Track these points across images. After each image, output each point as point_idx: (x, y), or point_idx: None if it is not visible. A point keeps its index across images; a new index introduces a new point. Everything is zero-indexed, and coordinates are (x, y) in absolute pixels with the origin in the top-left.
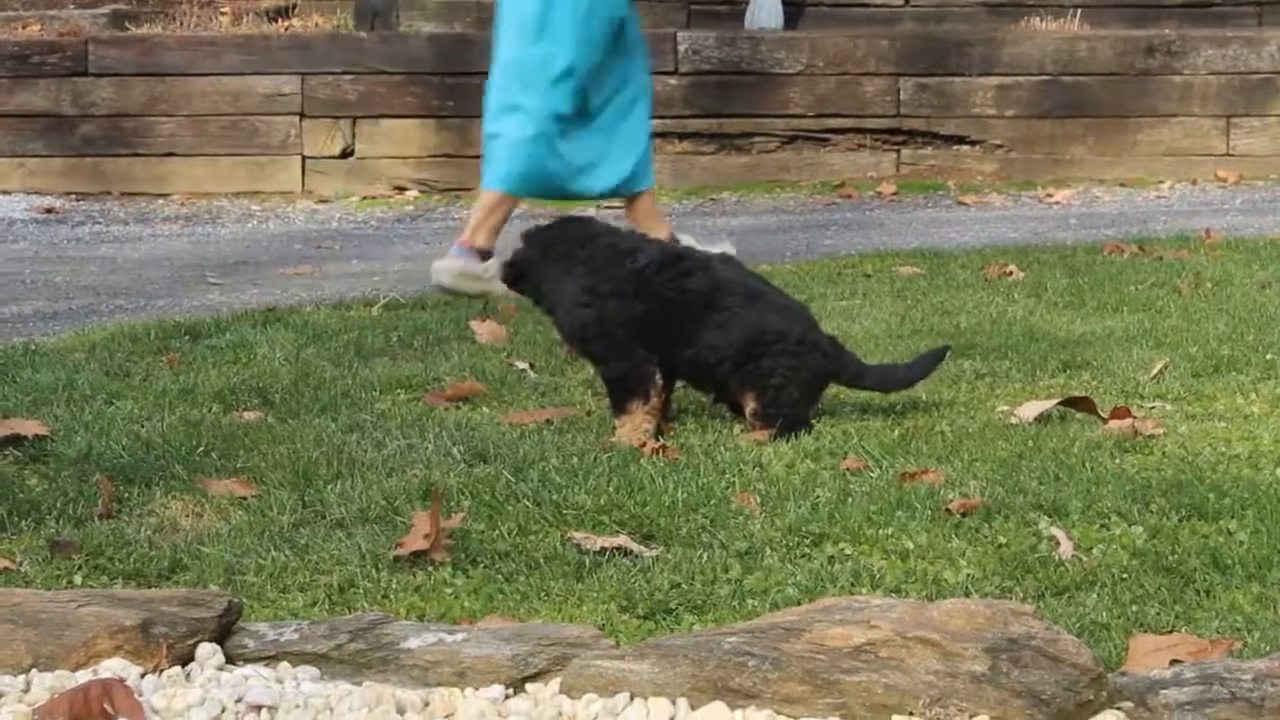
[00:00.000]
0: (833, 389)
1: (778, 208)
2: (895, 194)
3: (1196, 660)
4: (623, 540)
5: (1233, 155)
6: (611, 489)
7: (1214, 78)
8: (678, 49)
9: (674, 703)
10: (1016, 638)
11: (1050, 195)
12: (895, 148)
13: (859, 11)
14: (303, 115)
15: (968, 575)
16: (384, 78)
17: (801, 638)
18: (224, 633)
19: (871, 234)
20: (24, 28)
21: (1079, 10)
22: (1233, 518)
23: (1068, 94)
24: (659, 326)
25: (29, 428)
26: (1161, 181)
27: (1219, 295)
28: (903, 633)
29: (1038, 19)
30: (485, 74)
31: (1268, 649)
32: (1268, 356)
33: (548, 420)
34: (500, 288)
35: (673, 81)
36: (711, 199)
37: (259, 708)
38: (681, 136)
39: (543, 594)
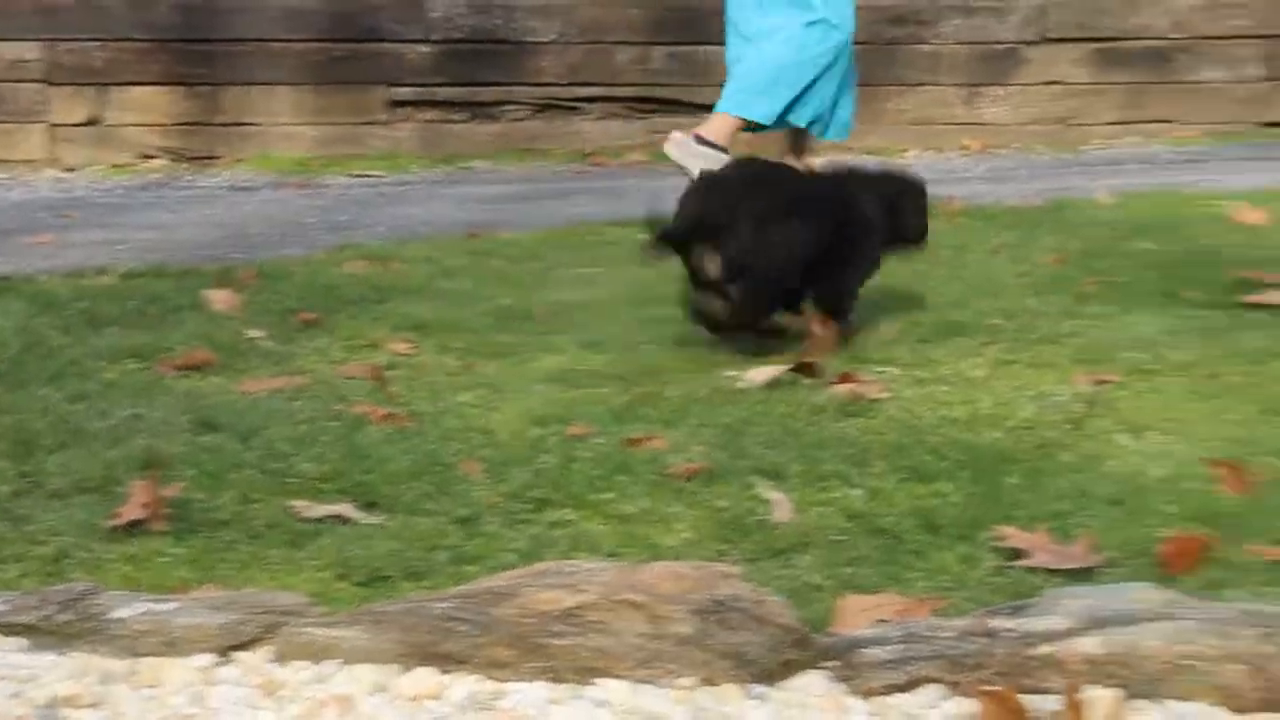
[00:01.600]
0: None
1: (529, 176)
2: (647, 162)
3: (901, 619)
4: (343, 508)
5: (977, 124)
6: (336, 457)
7: (960, 47)
8: (428, 16)
9: (383, 668)
10: (724, 600)
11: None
12: (647, 116)
13: None
14: (48, 82)
15: (685, 539)
16: (132, 44)
17: (512, 602)
18: None
19: (621, 202)
20: None
21: None
22: (948, 480)
23: None
24: None
25: None
26: (908, 150)
27: (954, 262)
28: (611, 596)
29: None
30: (234, 40)
31: (973, 607)
32: (994, 321)
33: (278, 389)
34: None
35: (424, 49)
36: (463, 168)
37: None
38: (433, 104)
39: (261, 562)
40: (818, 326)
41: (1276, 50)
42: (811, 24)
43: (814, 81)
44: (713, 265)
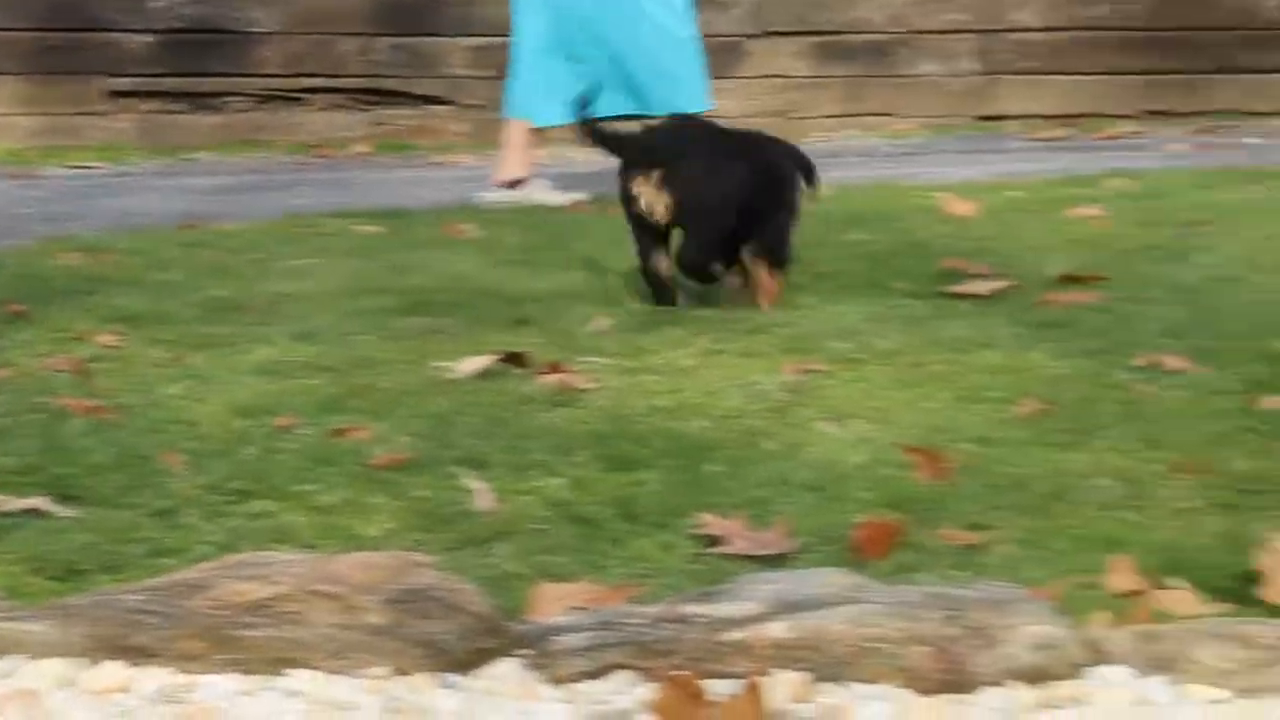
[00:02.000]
0: None
1: (252, 168)
2: (371, 154)
3: (596, 607)
4: (39, 501)
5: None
6: (35, 450)
7: None
8: (149, 5)
9: (72, 662)
10: (417, 589)
11: None
12: (371, 108)
13: None
14: None
15: (386, 529)
16: None
17: (204, 594)
18: None
19: (344, 193)
20: None
21: None
22: (651, 468)
23: None
24: None
25: None
26: None
27: None
28: (304, 587)
29: None
30: None
31: (669, 594)
32: (704, 312)
33: None
34: None
35: (144, 39)
36: (185, 159)
37: None
38: (154, 95)
39: None
40: (765, 276)
41: (990, 44)
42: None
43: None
44: (661, 206)
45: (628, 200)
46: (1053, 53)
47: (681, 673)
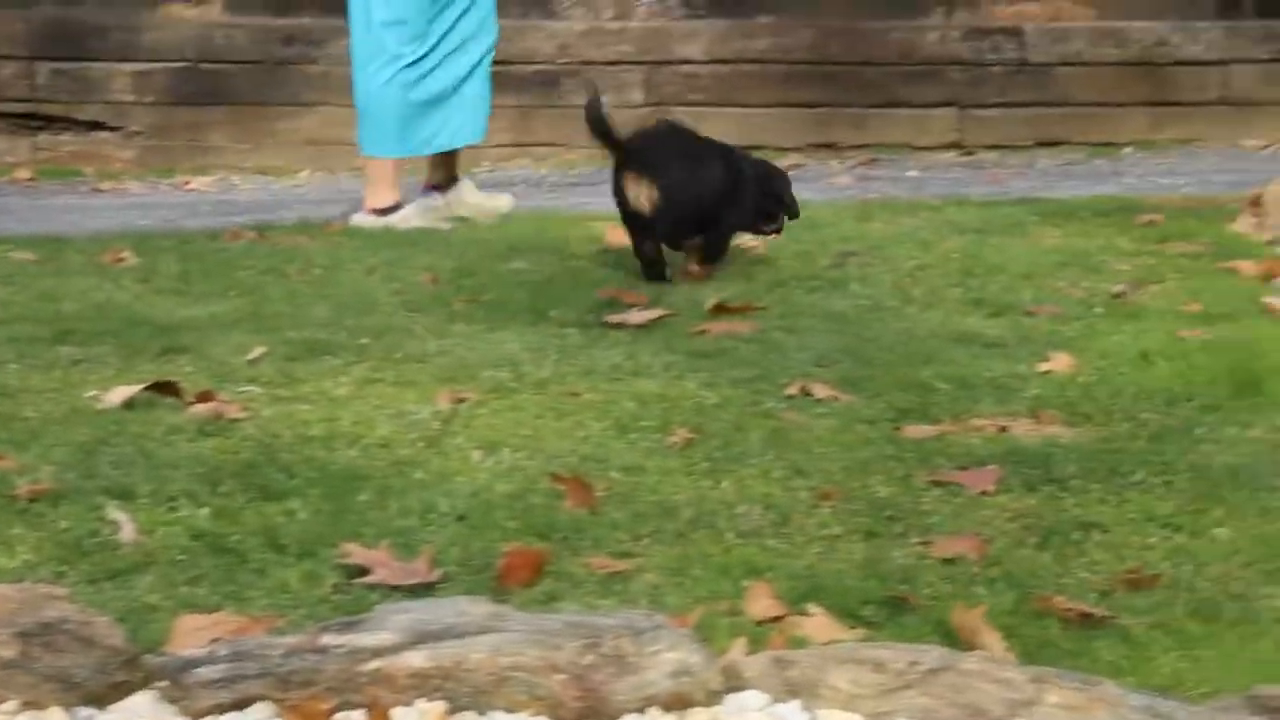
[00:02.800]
0: None
1: None
2: (32, 180)
3: (234, 638)
4: None
5: None
6: None
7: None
8: None
9: None
10: (50, 622)
11: (188, 183)
12: (33, 132)
13: None
14: None
15: (25, 561)
16: None
17: None
18: None
19: (2, 221)
20: None
21: None
22: (298, 497)
23: (207, 81)
24: None
25: None
26: (302, 170)
27: (328, 281)
28: None
29: (177, 5)
30: None
31: (310, 624)
32: (361, 341)
33: None
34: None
35: None
36: None
37: None
38: None
39: None
40: (694, 267)
41: (655, 76)
42: None
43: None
44: (649, 202)
45: (620, 194)
46: (719, 85)
47: (303, 703)
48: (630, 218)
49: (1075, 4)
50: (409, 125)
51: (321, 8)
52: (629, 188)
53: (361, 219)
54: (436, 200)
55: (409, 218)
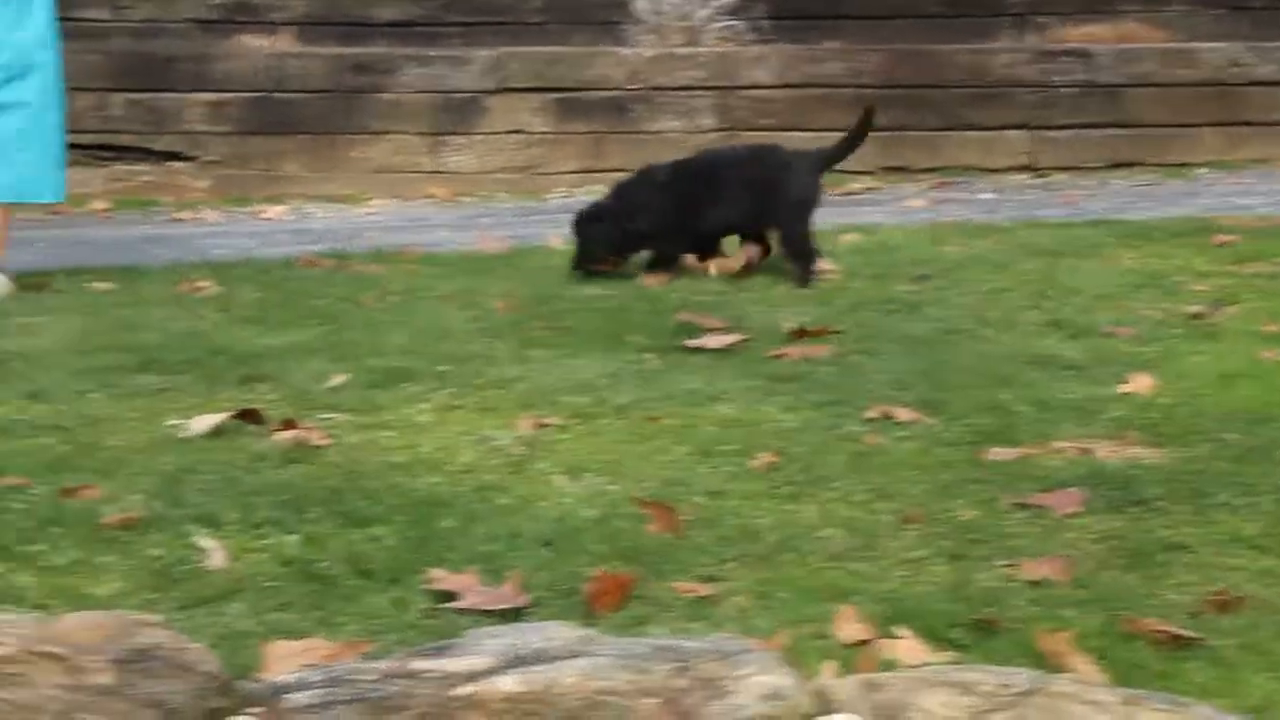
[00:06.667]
0: None
1: None
2: (108, 211)
3: (326, 663)
4: None
5: (442, 172)
6: None
7: (421, 96)
8: None
9: None
10: (144, 648)
11: (263, 212)
12: (107, 164)
13: (67, 26)
14: None
15: (116, 589)
16: None
17: None
18: None
19: (81, 252)
20: None
21: (291, 28)
22: (383, 523)
23: (280, 111)
24: None
25: None
26: (373, 198)
27: (405, 308)
28: (29, 648)
29: (249, 36)
30: None
31: (401, 649)
32: (440, 368)
33: None
34: None
35: None
36: None
37: None
38: None
39: None
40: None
41: (726, 100)
42: None
43: None
44: None
45: None
46: (790, 109)
47: None
48: None
49: (1144, 26)
50: None
51: (391, 37)
52: None
53: None
54: None
55: None
